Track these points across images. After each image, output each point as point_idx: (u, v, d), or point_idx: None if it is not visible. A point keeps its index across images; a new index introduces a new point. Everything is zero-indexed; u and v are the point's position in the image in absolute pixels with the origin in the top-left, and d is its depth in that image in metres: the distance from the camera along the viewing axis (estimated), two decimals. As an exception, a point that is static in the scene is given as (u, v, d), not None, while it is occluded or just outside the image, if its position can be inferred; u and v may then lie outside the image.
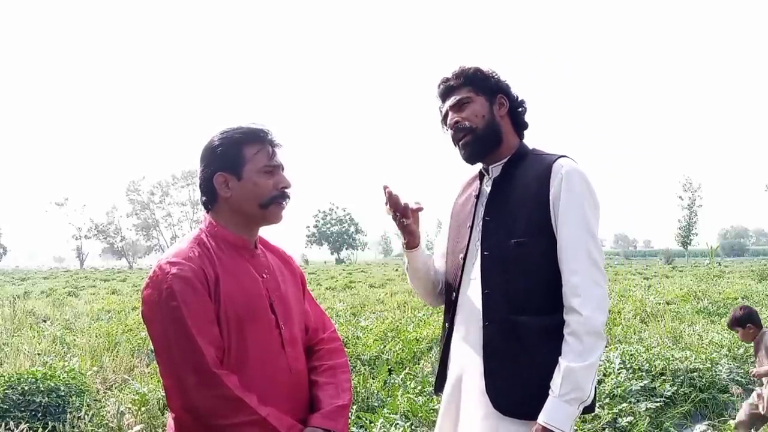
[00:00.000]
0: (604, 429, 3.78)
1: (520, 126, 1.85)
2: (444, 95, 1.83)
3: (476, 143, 1.78)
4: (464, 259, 1.83)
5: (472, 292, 1.79)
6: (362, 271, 33.90)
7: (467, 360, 1.75)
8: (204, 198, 1.61)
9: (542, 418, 1.56)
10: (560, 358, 1.59)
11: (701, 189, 61.14)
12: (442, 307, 1.97)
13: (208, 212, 1.62)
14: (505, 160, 1.81)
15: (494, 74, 1.82)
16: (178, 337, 1.43)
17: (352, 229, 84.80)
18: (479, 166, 1.89)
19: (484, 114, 1.77)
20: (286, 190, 1.60)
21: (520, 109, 1.84)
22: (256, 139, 1.57)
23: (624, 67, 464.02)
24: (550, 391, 1.58)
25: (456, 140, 1.81)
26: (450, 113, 1.81)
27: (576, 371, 1.56)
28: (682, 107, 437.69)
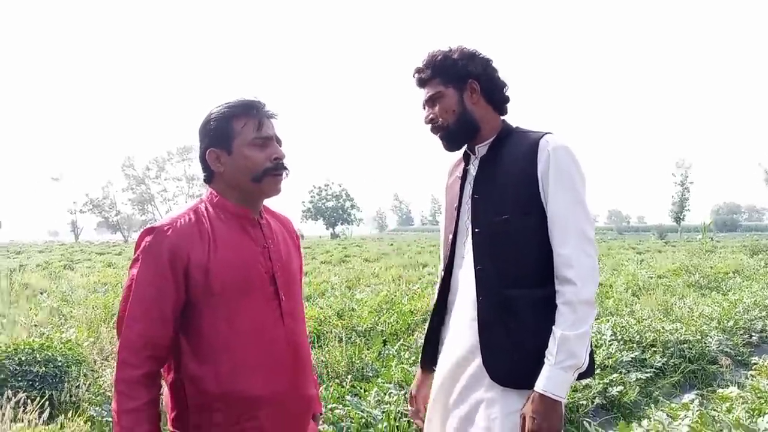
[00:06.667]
0: (594, 398, 3.85)
1: (499, 104, 1.84)
2: (418, 86, 1.85)
3: (451, 138, 1.82)
4: (454, 238, 1.85)
5: (464, 270, 1.81)
6: (357, 245, 33.95)
7: (463, 335, 1.77)
8: (204, 174, 1.61)
9: (540, 386, 1.59)
10: (554, 327, 1.62)
11: (692, 167, 63.13)
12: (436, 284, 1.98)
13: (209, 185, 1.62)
14: (490, 140, 1.82)
15: (463, 57, 1.78)
16: (124, 303, 1.50)
17: (348, 204, 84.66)
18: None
19: (454, 108, 1.78)
20: (281, 161, 1.57)
21: (495, 89, 1.81)
22: (245, 111, 1.55)
23: (618, 45, 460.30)
24: (546, 360, 1.61)
25: (433, 133, 1.85)
26: (425, 107, 1.84)
27: (571, 339, 1.59)
28: (675, 85, 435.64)
